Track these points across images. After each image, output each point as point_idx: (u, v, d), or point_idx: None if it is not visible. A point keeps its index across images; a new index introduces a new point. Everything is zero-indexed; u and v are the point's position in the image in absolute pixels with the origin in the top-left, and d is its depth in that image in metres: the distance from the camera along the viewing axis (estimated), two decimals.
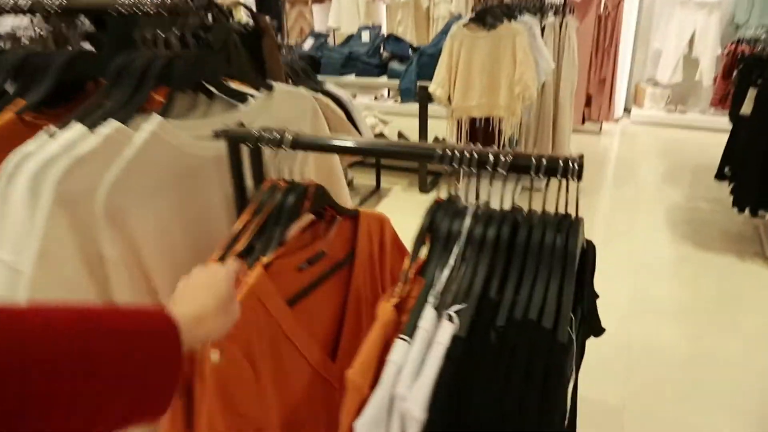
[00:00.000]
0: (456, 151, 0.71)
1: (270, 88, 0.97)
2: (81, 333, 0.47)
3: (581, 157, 0.69)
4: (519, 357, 0.64)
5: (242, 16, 1.81)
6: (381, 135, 4.35)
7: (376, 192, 4.07)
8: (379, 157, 3.88)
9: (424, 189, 4.03)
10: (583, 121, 5.50)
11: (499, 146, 3.45)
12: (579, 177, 0.69)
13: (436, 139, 4.34)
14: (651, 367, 2.14)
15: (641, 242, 3.20)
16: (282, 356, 0.84)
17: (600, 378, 2.06)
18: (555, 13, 3.68)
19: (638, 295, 2.63)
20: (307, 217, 0.84)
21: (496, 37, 3.11)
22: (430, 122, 3.85)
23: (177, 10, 0.87)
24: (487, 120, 3.38)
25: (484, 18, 3.15)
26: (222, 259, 0.78)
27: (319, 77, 3.31)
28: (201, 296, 0.64)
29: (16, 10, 1.08)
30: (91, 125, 0.78)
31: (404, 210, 3.69)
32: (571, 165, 0.69)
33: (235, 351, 0.74)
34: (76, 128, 0.78)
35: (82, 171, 0.73)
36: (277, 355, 0.83)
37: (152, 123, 0.79)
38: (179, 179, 0.83)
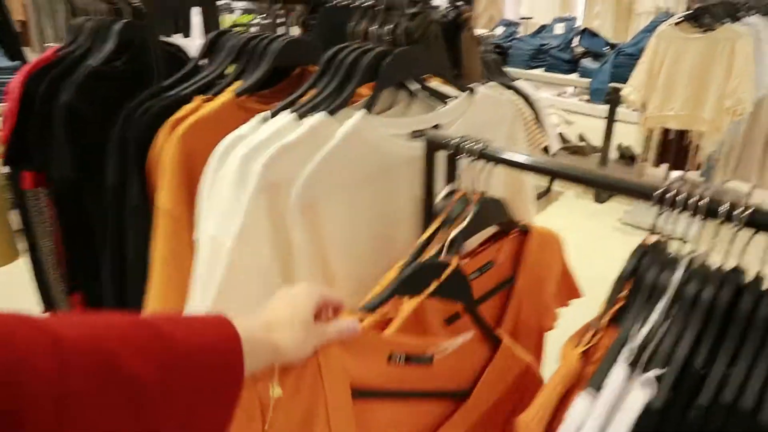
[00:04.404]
0: (681, 194, 0.62)
1: (473, 91, 0.93)
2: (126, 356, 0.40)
3: None
4: None
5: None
6: (560, 135, 4.14)
7: (546, 194, 3.75)
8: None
9: (599, 198, 3.67)
10: None
11: (693, 164, 3.12)
12: None
13: (620, 146, 4.04)
14: None
15: None
16: None
17: None
18: None
19: None
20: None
21: (712, 41, 2.77)
22: (617, 127, 3.56)
23: (394, 5, 0.87)
24: (682, 133, 3.05)
25: (700, 17, 2.81)
26: (407, 264, 0.72)
27: (507, 69, 3.23)
28: (274, 306, 0.56)
29: None
30: (301, 115, 0.81)
31: (574, 219, 3.46)
32: None
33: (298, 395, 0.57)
34: (286, 116, 0.81)
35: (286, 159, 0.76)
36: None
37: (356, 118, 0.80)
38: (372, 176, 0.83)
